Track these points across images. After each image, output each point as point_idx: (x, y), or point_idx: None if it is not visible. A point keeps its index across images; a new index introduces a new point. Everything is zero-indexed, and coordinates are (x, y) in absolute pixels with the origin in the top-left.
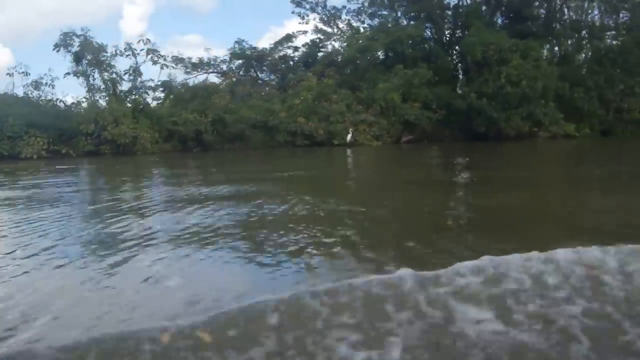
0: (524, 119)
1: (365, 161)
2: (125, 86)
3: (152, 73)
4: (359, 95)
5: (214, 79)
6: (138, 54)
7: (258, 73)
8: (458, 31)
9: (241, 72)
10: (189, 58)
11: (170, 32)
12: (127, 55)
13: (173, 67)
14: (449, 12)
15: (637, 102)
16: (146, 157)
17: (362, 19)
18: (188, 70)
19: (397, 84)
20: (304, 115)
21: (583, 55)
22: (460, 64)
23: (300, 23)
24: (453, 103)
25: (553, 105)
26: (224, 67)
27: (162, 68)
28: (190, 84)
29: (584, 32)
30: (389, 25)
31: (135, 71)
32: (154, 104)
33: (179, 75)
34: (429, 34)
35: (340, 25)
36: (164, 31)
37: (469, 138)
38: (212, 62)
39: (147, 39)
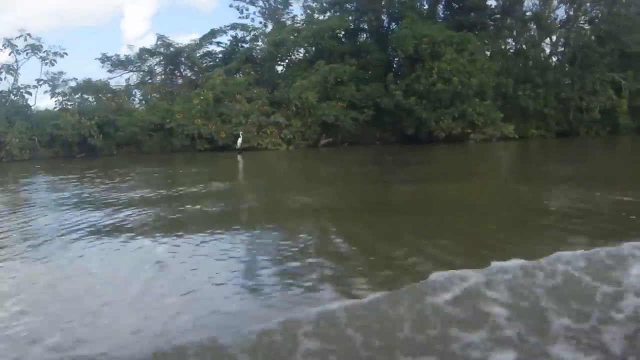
0: (456, 120)
1: (218, 174)
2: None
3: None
4: (275, 94)
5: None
6: (20, 51)
7: (182, 71)
8: (394, 24)
9: (161, 70)
10: (116, 55)
11: (173, 32)
12: (10, 53)
13: (53, 63)
14: (383, 3)
15: (599, 101)
16: (8, 165)
17: (308, 12)
18: (110, 69)
19: (314, 81)
20: (204, 117)
21: (547, 50)
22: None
23: (240, 17)
24: (379, 102)
25: (490, 104)
26: (145, 65)
27: (46, 65)
28: (112, 83)
29: (535, 25)
30: (320, 17)
31: (10, 69)
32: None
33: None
34: (364, 26)
35: (284, 19)
36: (167, 31)
37: (402, 140)
38: (135, 61)
39: (28, 34)
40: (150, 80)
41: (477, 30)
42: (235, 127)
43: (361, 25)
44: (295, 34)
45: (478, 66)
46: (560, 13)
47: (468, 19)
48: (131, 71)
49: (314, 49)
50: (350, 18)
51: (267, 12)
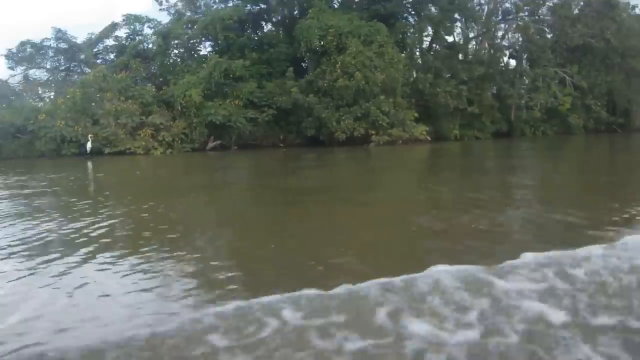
0: (358, 120)
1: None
2: None
3: None
4: (162, 92)
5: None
6: None
7: (83, 67)
8: (307, 13)
9: (63, 67)
10: (23, 50)
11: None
12: None
13: None
14: None
15: (540, 98)
16: None
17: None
18: (10, 65)
19: (201, 77)
20: (72, 118)
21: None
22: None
23: (161, 10)
24: (276, 100)
25: (400, 102)
26: (46, 61)
27: None
28: (14, 81)
29: (462, 16)
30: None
31: None
32: None
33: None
34: (271, 17)
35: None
36: None
37: (306, 143)
38: (35, 57)
39: None
40: (51, 78)
41: (397, 20)
42: (105, 129)
43: (266, 16)
44: (190, 26)
45: (387, 60)
46: (505, 5)
47: (385, 8)
48: (31, 68)
49: (218, 42)
50: (253, 7)
51: (184, 4)
